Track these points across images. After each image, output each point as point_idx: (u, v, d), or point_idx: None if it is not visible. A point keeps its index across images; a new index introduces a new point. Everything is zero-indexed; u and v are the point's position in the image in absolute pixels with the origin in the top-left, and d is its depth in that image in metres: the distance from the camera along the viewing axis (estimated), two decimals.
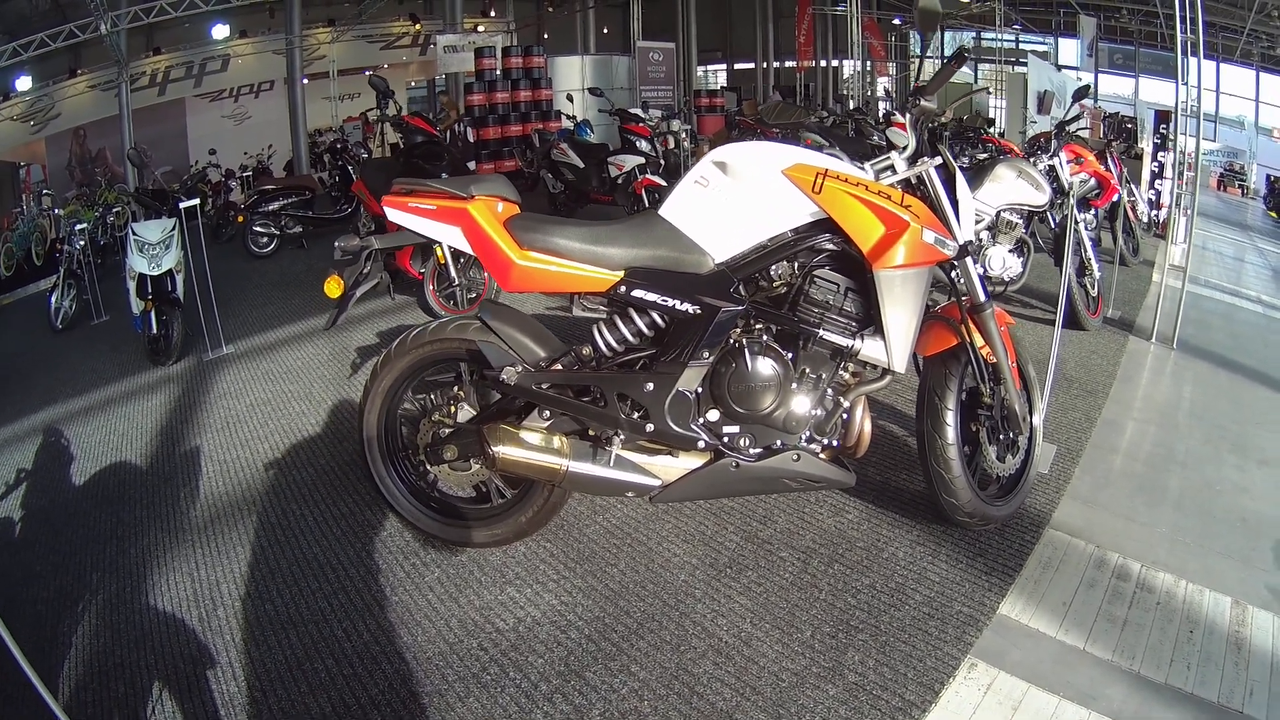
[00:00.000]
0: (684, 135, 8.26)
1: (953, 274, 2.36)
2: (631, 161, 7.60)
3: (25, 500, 3.41)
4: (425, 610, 2.20)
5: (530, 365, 2.17)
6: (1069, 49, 19.58)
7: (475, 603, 2.21)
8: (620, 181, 7.64)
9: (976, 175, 4.01)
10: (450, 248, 3.86)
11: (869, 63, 18.59)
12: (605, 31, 19.42)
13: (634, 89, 13.39)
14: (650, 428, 2.11)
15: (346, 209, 8.28)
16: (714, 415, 2.14)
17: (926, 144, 2.21)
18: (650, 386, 2.09)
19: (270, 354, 4.82)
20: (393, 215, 2.16)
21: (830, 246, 2.11)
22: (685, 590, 2.27)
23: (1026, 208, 4.06)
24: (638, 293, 2.08)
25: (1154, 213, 7.77)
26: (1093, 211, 5.77)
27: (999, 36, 19.74)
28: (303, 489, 2.96)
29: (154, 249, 5.00)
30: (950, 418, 2.30)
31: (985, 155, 5.99)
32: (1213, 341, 4.87)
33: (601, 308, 2.22)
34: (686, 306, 2.06)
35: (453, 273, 4.66)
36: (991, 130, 9.21)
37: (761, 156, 2.11)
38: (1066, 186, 4.53)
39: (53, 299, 6.68)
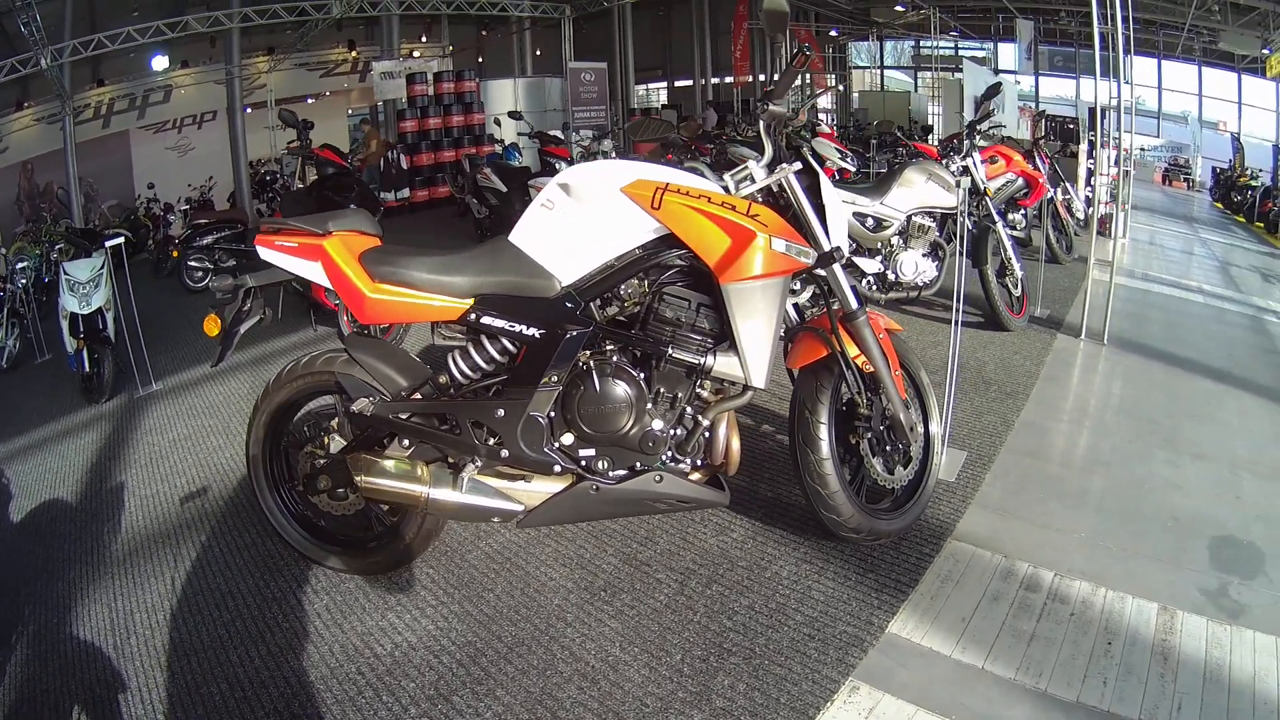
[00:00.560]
0: (613, 155, 8.24)
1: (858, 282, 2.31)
2: None
3: None
4: (312, 636, 2.25)
5: (391, 395, 2.18)
6: (1008, 54, 19.89)
7: (358, 628, 2.25)
8: None
9: (885, 180, 3.99)
10: None
11: (808, 75, 18.77)
12: (539, 54, 19.35)
13: (566, 110, 13.39)
14: (505, 453, 2.09)
15: None
16: (568, 439, 2.11)
17: (785, 150, 2.15)
18: (501, 413, 2.08)
19: (194, 390, 4.86)
20: (262, 253, 2.21)
21: (678, 262, 2.07)
22: (558, 614, 2.26)
23: (938, 210, 4.04)
24: (486, 319, 2.08)
25: (1090, 210, 7.84)
26: (1021, 211, 5.80)
27: (935, 44, 20.04)
28: (213, 521, 3.05)
29: (84, 287, 5.00)
30: (824, 431, 2.24)
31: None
32: (1148, 335, 4.82)
33: (460, 336, 2.21)
34: (533, 331, 2.06)
35: None
36: (930, 139, 9.30)
37: (601, 176, 2.09)
38: (981, 186, 4.52)
39: None
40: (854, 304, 2.28)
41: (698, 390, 2.11)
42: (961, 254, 3.56)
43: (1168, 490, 2.85)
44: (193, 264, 7.78)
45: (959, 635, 2.08)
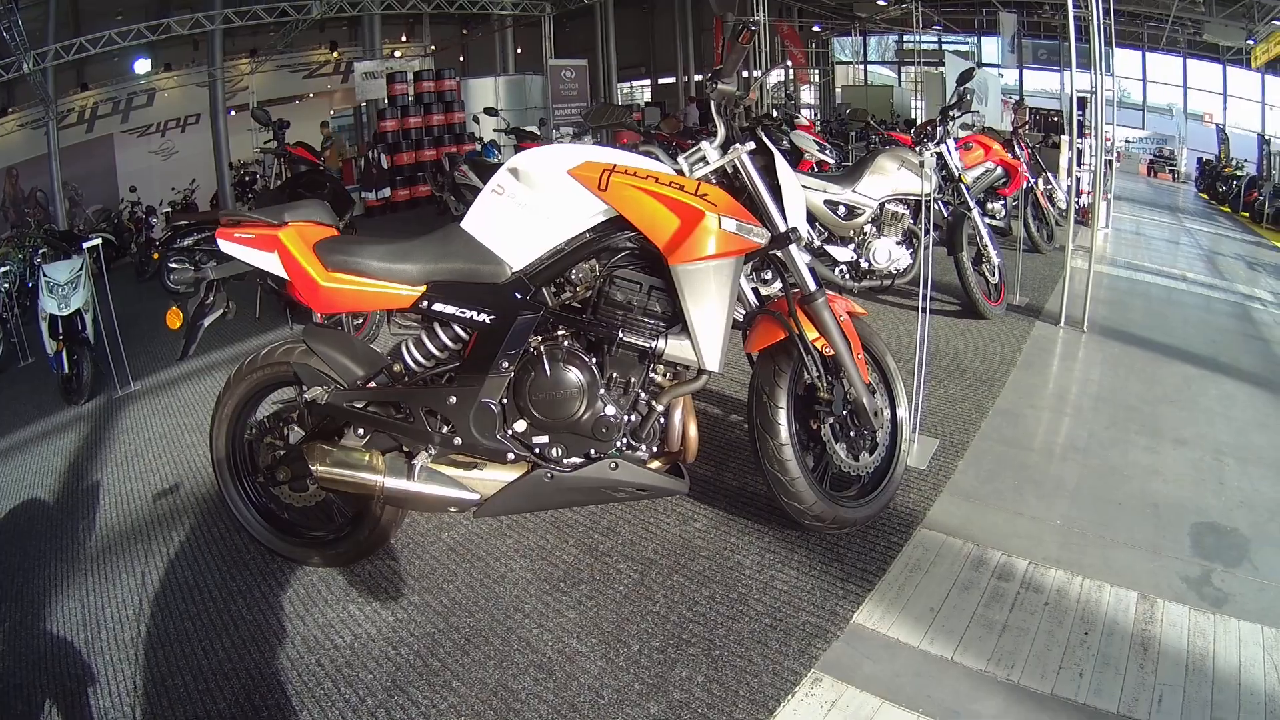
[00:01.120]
0: None
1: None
2: None
3: None
4: (274, 628, 2.26)
5: (347, 384, 2.17)
6: (992, 47, 19.92)
7: (319, 620, 2.26)
8: None
9: (857, 168, 3.96)
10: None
11: (790, 70, 18.76)
12: (520, 52, 19.34)
13: (548, 107, 13.36)
14: (459, 441, 2.08)
15: None
16: (521, 426, 2.09)
17: (738, 130, 2.12)
18: (454, 400, 2.06)
19: (171, 390, 4.88)
20: (223, 245, 2.21)
21: (629, 245, 2.04)
22: (516, 605, 2.23)
23: (911, 197, 4.01)
24: (438, 306, 2.06)
25: (1071, 198, 7.84)
26: (1001, 201, 5.79)
27: (919, 39, 20.06)
28: (184, 517, 3.06)
29: (63, 289, 5.02)
30: (782, 416, 2.19)
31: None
32: (1129, 321, 4.76)
33: (414, 324, 2.20)
34: (483, 317, 2.04)
35: None
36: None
37: (549, 160, 2.07)
38: (956, 173, 4.48)
39: None
40: (812, 285, 2.24)
41: (651, 375, 2.08)
42: (930, 239, 3.52)
43: (1148, 477, 2.78)
44: (173, 265, 7.72)
45: (927, 625, 2.01)
